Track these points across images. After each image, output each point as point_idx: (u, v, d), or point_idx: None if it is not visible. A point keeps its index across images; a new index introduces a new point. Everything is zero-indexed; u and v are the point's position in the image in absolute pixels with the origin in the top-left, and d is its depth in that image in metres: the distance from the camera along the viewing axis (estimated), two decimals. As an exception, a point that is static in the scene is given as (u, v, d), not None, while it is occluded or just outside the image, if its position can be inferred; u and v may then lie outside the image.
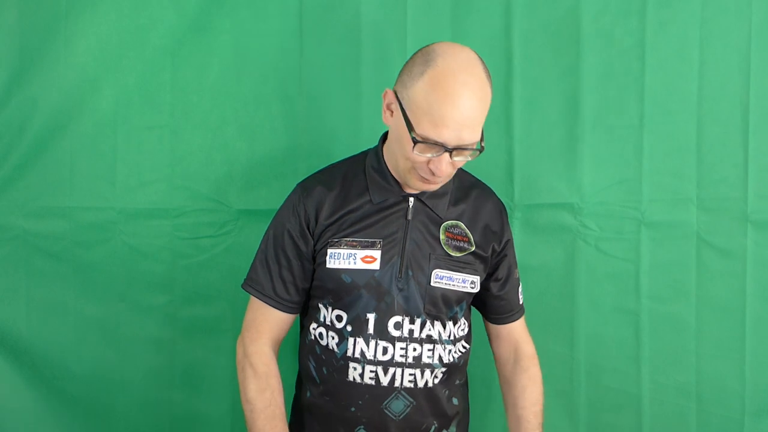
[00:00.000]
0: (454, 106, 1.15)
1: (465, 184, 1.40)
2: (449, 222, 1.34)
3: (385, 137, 1.37)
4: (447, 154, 1.19)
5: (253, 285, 1.36)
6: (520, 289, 1.47)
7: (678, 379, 1.63)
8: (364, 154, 1.39)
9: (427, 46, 1.23)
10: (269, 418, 1.29)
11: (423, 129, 1.17)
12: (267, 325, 1.35)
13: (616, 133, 1.60)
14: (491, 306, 1.45)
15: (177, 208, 1.61)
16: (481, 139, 1.22)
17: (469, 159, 1.23)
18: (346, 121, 1.61)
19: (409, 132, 1.19)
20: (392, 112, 1.25)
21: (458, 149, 1.19)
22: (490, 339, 1.50)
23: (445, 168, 1.21)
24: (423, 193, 1.33)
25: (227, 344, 1.61)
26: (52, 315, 1.61)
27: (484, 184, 1.44)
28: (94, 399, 1.63)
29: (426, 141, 1.18)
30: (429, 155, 1.20)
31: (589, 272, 1.63)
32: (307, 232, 1.33)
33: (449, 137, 1.17)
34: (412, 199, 1.33)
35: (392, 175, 1.32)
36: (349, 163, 1.39)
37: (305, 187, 1.36)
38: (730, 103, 1.58)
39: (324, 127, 1.61)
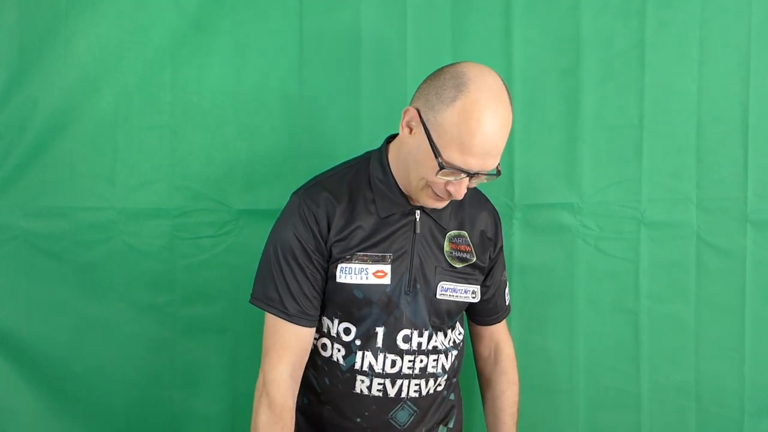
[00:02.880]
0: (484, 137, 1.15)
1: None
2: (453, 232, 1.34)
3: (389, 141, 1.35)
4: (467, 179, 1.20)
5: (266, 302, 1.28)
6: (507, 291, 1.48)
7: (677, 379, 1.64)
8: (367, 160, 1.35)
9: (455, 66, 1.21)
10: None
11: (450, 156, 1.17)
12: (287, 346, 1.27)
13: (616, 133, 1.60)
14: (478, 309, 1.45)
15: (177, 208, 1.61)
16: (498, 165, 1.22)
17: (485, 181, 1.24)
18: (346, 121, 1.61)
19: (435, 157, 1.18)
20: (411, 129, 1.23)
21: (478, 174, 1.20)
22: (471, 337, 1.52)
23: (463, 191, 1.22)
24: None
25: (227, 344, 1.62)
26: (52, 315, 1.61)
27: (477, 189, 1.42)
28: (94, 399, 1.63)
29: (452, 167, 1.18)
30: (449, 179, 1.20)
31: (588, 272, 1.63)
32: (321, 241, 1.27)
33: (474, 165, 1.17)
34: (418, 212, 1.31)
35: (399, 188, 1.30)
36: (352, 170, 1.34)
37: (310, 195, 1.29)
38: (730, 103, 1.58)
39: (324, 127, 1.61)
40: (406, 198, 1.30)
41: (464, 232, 1.35)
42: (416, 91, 1.25)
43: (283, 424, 1.26)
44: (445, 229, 1.33)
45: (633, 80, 1.58)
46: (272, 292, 1.28)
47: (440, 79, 1.20)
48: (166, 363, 1.63)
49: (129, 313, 1.62)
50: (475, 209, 1.39)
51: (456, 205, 1.36)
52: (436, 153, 1.17)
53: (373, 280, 1.27)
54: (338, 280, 1.27)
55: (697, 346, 1.62)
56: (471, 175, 1.19)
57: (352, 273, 1.27)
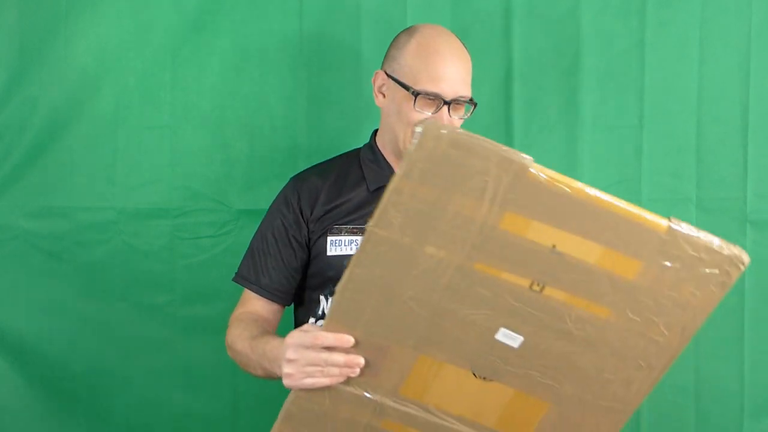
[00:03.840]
0: (445, 60, 1.25)
1: None
2: None
3: (374, 133, 1.39)
4: (446, 108, 1.24)
5: (240, 276, 1.35)
6: None
7: (677, 379, 1.63)
8: (357, 150, 1.41)
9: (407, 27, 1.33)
10: (255, 339, 1.18)
11: (421, 84, 1.24)
12: (254, 311, 1.32)
13: (616, 133, 1.60)
14: None
15: (177, 208, 1.61)
16: (472, 99, 1.28)
17: (466, 117, 1.29)
18: (346, 121, 1.61)
19: (408, 90, 1.24)
20: (384, 94, 1.31)
21: (455, 102, 1.25)
22: None
23: (446, 121, 1.25)
24: None
25: (227, 344, 1.62)
26: (52, 315, 1.61)
27: None
28: (94, 399, 1.63)
29: (426, 93, 1.23)
30: (429, 112, 1.25)
31: (588, 272, 1.63)
32: (301, 219, 1.32)
33: (447, 89, 1.24)
34: None
35: (387, 162, 1.35)
36: (343, 158, 1.41)
37: (298, 178, 1.37)
38: (730, 103, 1.58)
39: (324, 127, 1.61)
40: (394, 171, 1.32)
41: None
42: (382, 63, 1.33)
43: (255, 325, 1.25)
44: None
45: (633, 80, 1.58)
46: (246, 268, 1.34)
47: (395, 38, 1.33)
48: (166, 363, 1.63)
49: (129, 313, 1.62)
50: None
51: None
52: (408, 87, 1.25)
53: None
54: (329, 253, 1.29)
55: (697, 347, 1.62)
56: (447, 102, 1.24)
57: (342, 245, 1.29)
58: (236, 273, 1.36)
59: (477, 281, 0.94)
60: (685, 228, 0.94)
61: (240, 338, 1.22)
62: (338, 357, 0.97)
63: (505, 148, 0.86)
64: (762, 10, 1.56)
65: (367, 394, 1.02)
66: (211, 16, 1.58)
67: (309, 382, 1.00)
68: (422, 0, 1.59)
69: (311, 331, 1.00)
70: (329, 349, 0.97)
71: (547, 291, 0.94)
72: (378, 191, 1.31)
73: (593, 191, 0.88)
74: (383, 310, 0.96)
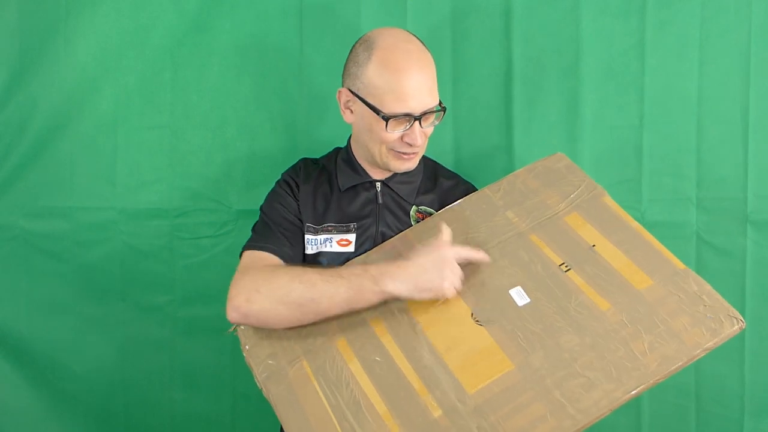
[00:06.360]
0: (410, 77, 1.22)
1: (436, 177, 1.41)
2: (423, 207, 1.36)
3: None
4: (417, 123, 1.24)
5: (245, 246, 1.30)
6: None
7: (677, 379, 1.62)
8: (337, 150, 1.43)
9: (362, 36, 1.30)
10: (328, 267, 1.20)
11: (389, 107, 1.23)
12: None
13: (616, 133, 1.60)
14: None
15: (177, 208, 1.61)
16: (440, 103, 1.28)
17: (436, 123, 1.29)
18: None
19: (378, 114, 1.24)
20: (351, 110, 1.31)
21: (425, 115, 1.25)
22: None
23: (419, 137, 1.26)
24: (390, 178, 1.36)
25: (227, 344, 1.62)
26: (52, 315, 1.61)
27: (462, 179, 1.44)
28: (94, 399, 1.63)
29: (395, 116, 1.23)
30: (401, 130, 1.25)
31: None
32: (295, 198, 1.34)
33: (415, 106, 1.23)
34: (379, 183, 1.35)
35: (361, 166, 1.36)
36: (326, 157, 1.43)
37: (291, 167, 1.41)
38: (730, 103, 1.58)
39: (324, 127, 1.61)
40: (366, 173, 1.36)
41: (430, 209, 1.36)
42: (342, 77, 1.32)
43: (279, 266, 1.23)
44: (409, 203, 1.35)
45: (633, 80, 1.58)
46: (257, 238, 1.30)
47: (352, 52, 1.30)
48: (166, 363, 1.64)
49: (129, 313, 1.62)
50: (450, 189, 1.39)
51: (428, 187, 1.38)
52: (377, 110, 1.23)
53: (337, 248, 1.30)
54: (307, 251, 1.31)
55: (697, 346, 1.62)
56: (417, 117, 1.24)
57: (317, 243, 1.31)
58: (247, 244, 1.31)
59: (524, 246, 1.21)
60: (699, 277, 1.13)
61: (289, 272, 1.17)
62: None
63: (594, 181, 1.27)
64: (762, 10, 1.56)
65: None
66: (211, 16, 1.58)
67: (453, 291, 1.15)
68: (422, 0, 1.59)
69: (463, 249, 1.17)
70: None
71: (570, 273, 1.16)
72: (348, 191, 1.35)
73: (639, 225, 1.21)
74: (454, 238, 1.21)
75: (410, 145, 1.27)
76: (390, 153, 1.29)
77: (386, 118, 1.23)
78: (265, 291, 1.15)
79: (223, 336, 1.62)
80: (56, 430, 1.62)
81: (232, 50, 1.59)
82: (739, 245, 1.58)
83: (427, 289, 1.13)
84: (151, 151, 1.60)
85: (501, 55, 1.59)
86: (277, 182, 1.39)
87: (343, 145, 1.43)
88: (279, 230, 1.30)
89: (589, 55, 1.58)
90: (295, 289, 1.14)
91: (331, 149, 1.47)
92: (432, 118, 1.28)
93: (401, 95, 1.22)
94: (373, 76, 1.23)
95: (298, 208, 1.34)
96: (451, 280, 1.13)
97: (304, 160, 1.43)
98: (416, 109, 1.23)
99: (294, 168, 1.40)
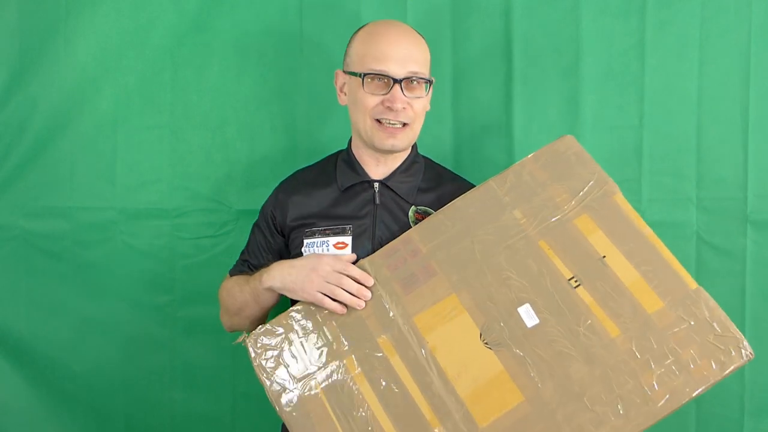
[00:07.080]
0: (390, 42, 1.26)
1: (439, 177, 1.40)
2: (419, 208, 1.35)
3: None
4: (398, 87, 1.25)
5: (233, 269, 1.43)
6: None
7: (677, 379, 1.63)
8: (339, 151, 1.44)
9: None
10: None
11: (367, 65, 1.26)
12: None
13: (616, 133, 1.59)
14: None
15: (177, 208, 1.61)
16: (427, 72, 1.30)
17: (425, 96, 1.29)
18: (346, 121, 1.60)
19: (357, 76, 1.26)
20: (345, 93, 1.33)
21: (407, 81, 1.25)
22: None
23: (399, 101, 1.25)
24: (388, 178, 1.35)
25: (227, 344, 1.61)
26: (52, 315, 1.61)
27: (467, 182, 1.42)
28: (94, 399, 1.63)
29: (372, 72, 1.25)
30: (380, 94, 1.26)
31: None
32: (274, 230, 1.38)
33: (394, 68, 1.24)
34: (377, 184, 1.34)
35: (360, 164, 1.36)
36: (326, 159, 1.44)
37: (285, 180, 1.42)
38: (730, 103, 1.58)
39: (324, 127, 1.61)
40: (365, 173, 1.35)
41: (429, 209, 1.35)
42: None
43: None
44: (408, 203, 1.34)
45: (633, 80, 1.58)
46: (235, 264, 1.43)
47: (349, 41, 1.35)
48: (166, 363, 1.63)
49: (129, 313, 1.62)
50: (450, 190, 1.37)
51: (429, 186, 1.37)
52: (357, 74, 1.27)
53: (333, 251, 1.30)
54: (305, 255, 1.31)
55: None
56: (398, 81, 1.24)
57: (314, 246, 1.31)
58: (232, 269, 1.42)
59: (532, 254, 1.15)
60: (710, 299, 1.11)
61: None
62: (352, 283, 1.16)
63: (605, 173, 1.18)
64: (762, 10, 1.55)
65: (386, 304, 1.16)
66: (211, 16, 1.58)
67: (319, 297, 1.17)
68: (422, 0, 1.59)
69: (343, 260, 1.18)
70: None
71: (580, 290, 1.12)
72: (347, 191, 1.34)
73: (651, 230, 1.14)
74: (454, 241, 1.19)
75: (391, 110, 1.26)
76: (375, 125, 1.28)
77: (362, 75, 1.25)
78: (223, 309, 1.39)
79: (223, 336, 1.62)
80: (56, 430, 1.62)
81: (232, 50, 1.59)
82: (739, 245, 1.58)
83: (292, 290, 1.20)
84: (150, 151, 1.60)
85: (501, 55, 1.59)
86: (261, 210, 1.42)
87: (343, 146, 1.43)
88: (248, 258, 1.41)
89: (589, 55, 1.58)
90: (230, 302, 1.34)
91: (331, 149, 1.47)
92: (419, 89, 1.28)
93: (379, 55, 1.25)
94: (357, 45, 1.29)
95: (279, 231, 1.37)
96: (318, 286, 1.17)
97: (294, 174, 1.43)
98: (396, 72, 1.24)
99: (273, 195, 1.41)
